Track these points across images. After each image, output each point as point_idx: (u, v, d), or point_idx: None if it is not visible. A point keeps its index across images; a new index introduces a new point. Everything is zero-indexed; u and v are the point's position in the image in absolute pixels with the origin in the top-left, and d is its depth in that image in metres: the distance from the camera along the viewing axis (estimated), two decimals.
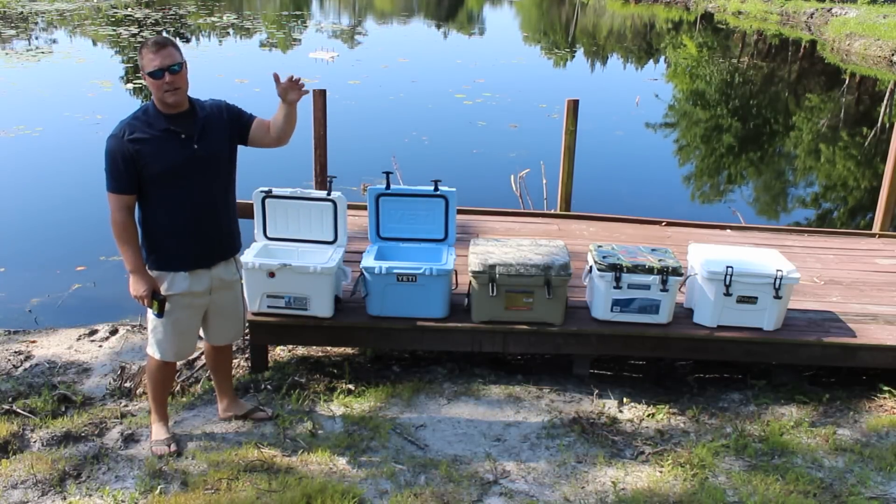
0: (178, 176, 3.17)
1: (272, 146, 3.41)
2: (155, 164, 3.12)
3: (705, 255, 4.33)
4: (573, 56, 22.36)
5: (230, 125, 3.33)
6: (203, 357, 4.30)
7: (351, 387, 4.18)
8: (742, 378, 4.55)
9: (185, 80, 3.16)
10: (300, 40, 21.70)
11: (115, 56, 17.14)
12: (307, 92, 3.35)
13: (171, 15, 24.40)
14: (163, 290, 3.29)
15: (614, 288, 4.18)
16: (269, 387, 4.18)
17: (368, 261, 4.17)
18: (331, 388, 4.18)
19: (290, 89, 3.27)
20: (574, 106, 6.27)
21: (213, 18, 24.54)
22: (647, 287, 4.17)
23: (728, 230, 6.05)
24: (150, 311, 3.33)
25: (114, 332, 5.06)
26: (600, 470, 3.54)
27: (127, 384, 4.28)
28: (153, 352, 3.45)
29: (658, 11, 36.15)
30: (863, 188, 10.08)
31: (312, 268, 3.99)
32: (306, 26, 25.28)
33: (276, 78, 3.28)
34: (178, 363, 4.01)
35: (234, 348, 4.62)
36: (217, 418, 3.84)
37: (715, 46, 24.36)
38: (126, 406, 4.06)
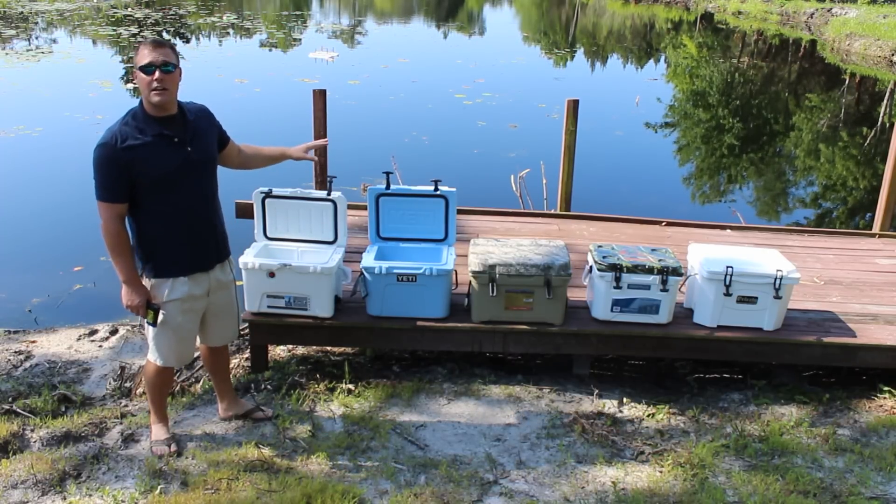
0: (173, 181, 3.14)
1: (232, 168, 3.60)
2: (151, 170, 3.08)
3: (705, 255, 4.33)
4: (573, 56, 22.35)
5: (215, 130, 3.40)
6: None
7: (351, 387, 4.17)
8: (742, 378, 4.55)
9: (176, 84, 3.12)
10: (300, 40, 21.69)
11: (115, 56, 17.14)
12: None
13: (171, 15, 24.39)
14: (164, 296, 3.27)
15: (614, 288, 4.18)
16: (269, 387, 4.18)
17: (368, 261, 4.17)
18: (331, 388, 4.17)
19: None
20: (574, 106, 6.27)
21: (213, 18, 24.54)
22: (647, 287, 4.17)
23: (728, 230, 6.05)
24: (144, 320, 3.31)
25: (114, 332, 5.06)
26: (600, 470, 3.54)
27: (127, 384, 4.28)
28: (155, 358, 3.42)
29: (658, 11, 36.15)
30: (863, 188, 10.08)
31: (312, 268, 3.99)
32: (306, 26, 25.27)
33: (309, 149, 3.85)
34: None
35: (235, 348, 4.63)
36: (217, 418, 3.84)
37: (715, 46, 24.35)
38: (126, 406, 4.06)
